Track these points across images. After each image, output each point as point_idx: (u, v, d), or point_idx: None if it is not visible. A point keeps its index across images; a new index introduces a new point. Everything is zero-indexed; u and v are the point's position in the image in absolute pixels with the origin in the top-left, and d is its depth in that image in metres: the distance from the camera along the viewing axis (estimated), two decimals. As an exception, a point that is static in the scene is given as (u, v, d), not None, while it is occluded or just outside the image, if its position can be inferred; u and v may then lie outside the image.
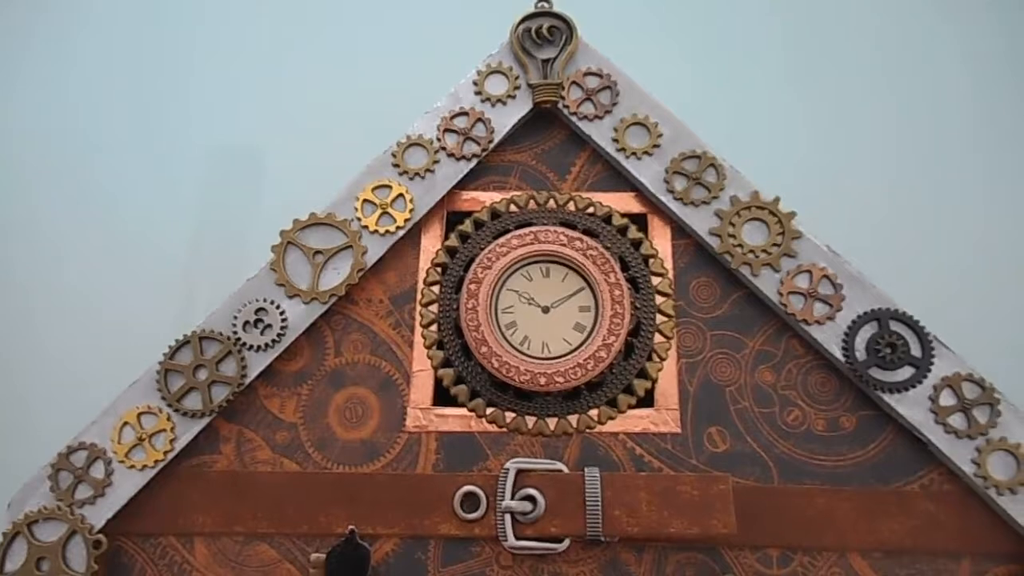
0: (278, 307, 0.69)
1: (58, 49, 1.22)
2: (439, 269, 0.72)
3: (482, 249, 0.71)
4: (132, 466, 0.66)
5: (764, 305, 0.69)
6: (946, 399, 0.65)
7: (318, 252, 0.70)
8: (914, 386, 0.65)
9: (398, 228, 0.71)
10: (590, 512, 0.63)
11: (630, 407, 0.68)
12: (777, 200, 0.70)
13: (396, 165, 0.72)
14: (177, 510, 0.66)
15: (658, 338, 0.69)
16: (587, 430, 0.67)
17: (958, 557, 0.63)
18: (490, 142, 0.73)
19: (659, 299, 0.70)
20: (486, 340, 0.67)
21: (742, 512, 0.63)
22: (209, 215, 1.14)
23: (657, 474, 0.65)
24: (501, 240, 0.70)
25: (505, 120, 0.73)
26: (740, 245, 0.69)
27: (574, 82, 0.73)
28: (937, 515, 0.64)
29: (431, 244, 0.73)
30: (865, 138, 1.10)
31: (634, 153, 0.72)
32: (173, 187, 1.15)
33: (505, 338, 0.68)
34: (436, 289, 0.71)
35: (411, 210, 0.71)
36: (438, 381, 0.69)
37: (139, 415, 0.67)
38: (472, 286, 0.68)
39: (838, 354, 0.66)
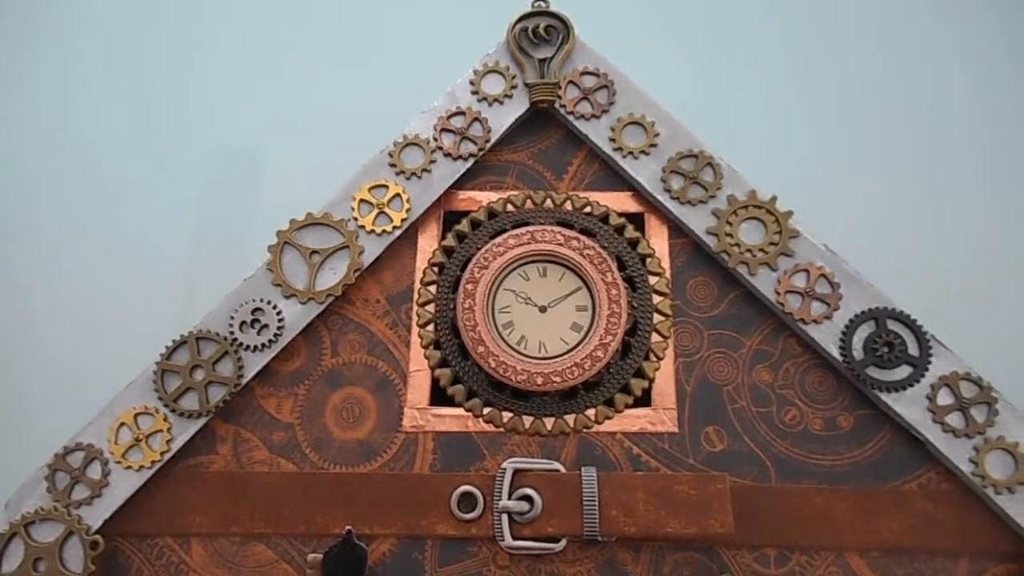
0: (275, 307, 0.69)
1: (58, 49, 1.22)
2: (436, 269, 0.72)
3: (479, 249, 0.71)
4: (129, 467, 0.66)
5: (761, 304, 0.69)
6: (944, 398, 0.64)
7: (315, 252, 0.70)
8: (912, 385, 0.64)
9: (395, 228, 0.71)
10: (587, 512, 0.62)
11: (627, 407, 0.67)
12: (774, 199, 0.69)
13: (393, 165, 0.72)
14: (174, 510, 0.66)
15: (655, 337, 0.69)
16: (584, 430, 0.67)
17: (956, 556, 0.63)
18: (487, 142, 0.73)
19: (656, 298, 0.70)
20: (483, 340, 0.67)
21: (739, 512, 0.63)
22: (209, 215, 1.14)
23: (654, 474, 0.65)
24: (498, 240, 0.70)
25: (502, 120, 0.73)
26: (737, 244, 0.68)
27: (571, 81, 0.73)
28: (935, 514, 0.64)
29: (428, 244, 0.73)
30: (863, 137, 1.10)
31: (631, 152, 0.71)
32: (173, 187, 1.15)
33: (502, 338, 0.68)
34: (433, 289, 0.71)
35: (408, 210, 0.71)
36: (435, 381, 0.69)
37: (136, 416, 0.67)
38: (469, 286, 0.68)
39: (835, 353, 0.66)
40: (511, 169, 0.75)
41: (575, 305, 0.69)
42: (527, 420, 0.67)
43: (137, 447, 0.66)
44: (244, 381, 0.68)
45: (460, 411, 0.68)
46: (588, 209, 0.72)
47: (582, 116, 0.73)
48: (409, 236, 0.73)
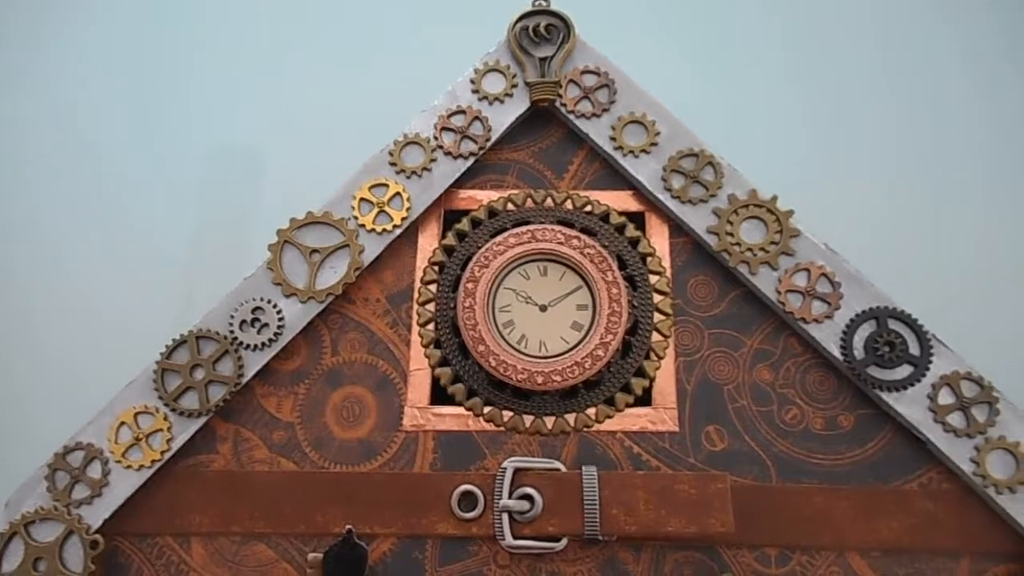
0: (275, 306, 0.69)
1: (58, 49, 1.22)
2: (436, 268, 0.72)
3: (479, 248, 0.70)
4: (129, 466, 0.66)
5: (762, 303, 0.69)
6: (945, 397, 0.64)
7: (315, 251, 0.70)
8: (912, 384, 0.64)
9: (395, 227, 0.71)
10: (588, 511, 0.62)
11: (628, 406, 0.67)
12: (775, 198, 0.69)
13: (393, 163, 0.72)
14: (174, 510, 0.66)
15: (656, 336, 0.69)
16: (585, 429, 0.67)
17: (957, 556, 0.63)
18: (487, 140, 0.73)
19: (657, 297, 0.70)
20: (483, 339, 0.67)
21: (740, 511, 0.63)
22: (209, 215, 1.14)
23: (655, 473, 0.65)
24: (498, 239, 0.70)
25: (502, 118, 0.73)
26: (738, 243, 0.68)
27: (572, 80, 0.73)
28: (936, 514, 0.63)
29: (428, 243, 0.73)
30: (863, 136, 1.10)
31: (632, 151, 0.71)
32: (173, 187, 1.15)
33: (502, 337, 0.68)
34: (433, 288, 0.71)
35: (408, 209, 0.71)
36: (435, 380, 0.69)
37: (136, 415, 0.67)
38: (469, 285, 0.68)
39: (836, 352, 0.66)
40: (512, 168, 0.75)
41: (575, 304, 0.69)
42: (527, 419, 0.67)
43: (137, 446, 0.66)
44: (244, 380, 0.68)
45: (460, 410, 0.68)
46: (589, 208, 0.72)
47: (583, 115, 0.73)
48: (409, 235, 0.73)
